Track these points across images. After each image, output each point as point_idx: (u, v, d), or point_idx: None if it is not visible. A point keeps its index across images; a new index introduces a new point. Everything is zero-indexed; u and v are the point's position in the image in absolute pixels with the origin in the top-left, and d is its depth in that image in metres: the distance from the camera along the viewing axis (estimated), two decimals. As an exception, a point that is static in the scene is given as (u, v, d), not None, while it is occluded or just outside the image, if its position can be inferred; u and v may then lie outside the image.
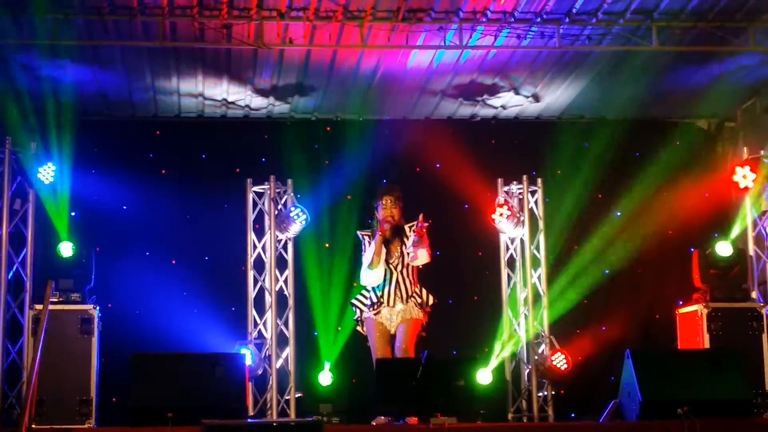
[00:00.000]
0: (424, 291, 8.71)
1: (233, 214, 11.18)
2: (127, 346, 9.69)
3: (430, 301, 8.71)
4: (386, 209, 8.65)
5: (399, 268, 8.60)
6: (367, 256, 8.62)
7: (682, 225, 12.02)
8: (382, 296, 8.55)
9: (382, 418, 8.06)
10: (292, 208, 10.78)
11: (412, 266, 8.66)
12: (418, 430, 7.77)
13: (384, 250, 8.58)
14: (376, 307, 8.56)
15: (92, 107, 11.54)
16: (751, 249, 10.91)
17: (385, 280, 8.59)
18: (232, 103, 11.72)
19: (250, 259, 10.87)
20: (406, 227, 8.69)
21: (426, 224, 8.50)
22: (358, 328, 8.89)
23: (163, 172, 11.76)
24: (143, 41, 10.05)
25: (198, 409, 7.54)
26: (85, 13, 9.55)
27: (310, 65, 10.77)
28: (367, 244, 8.69)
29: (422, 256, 8.58)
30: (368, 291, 8.71)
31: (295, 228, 10.83)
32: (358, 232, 8.86)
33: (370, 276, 8.64)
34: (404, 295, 8.55)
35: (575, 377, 10.96)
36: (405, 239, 8.62)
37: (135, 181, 11.50)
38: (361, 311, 8.69)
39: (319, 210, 11.46)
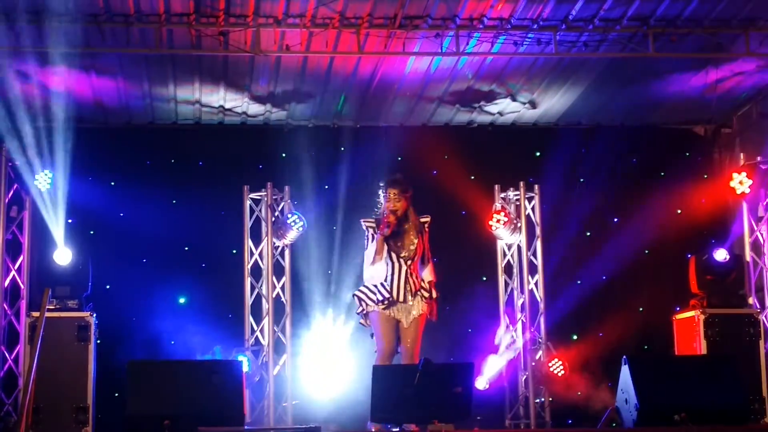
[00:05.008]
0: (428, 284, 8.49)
1: (230, 221, 11.17)
2: (124, 354, 9.68)
3: (434, 294, 8.53)
4: (390, 202, 8.39)
5: (409, 262, 8.38)
6: (368, 253, 8.39)
7: (679, 231, 12.02)
8: (391, 291, 8.30)
9: (377, 424, 8.00)
10: (289, 215, 10.79)
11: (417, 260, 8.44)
12: (415, 437, 7.75)
13: (385, 247, 8.32)
14: (385, 304, 8.36)
15: (89, 114, 11.52)
16: (748, 255, 10.93)
17: (393, 273, 8.35)
18: (229, 110, 11.71)
19: (247, 266, 10.86)
20: (422, 220, 8.49)
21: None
22: (361, 321, 8.57)
23: (160, 179, 11.74)
24: (140, 48, 10.04)
25: (195, 416, 7.52)
26: (81, 20, 9.53)
27: (307, 72, 10.77)
28: (369, 237, 8.40)
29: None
30: (375, 285, 8.39)
31: (292, 235, 10.84)
32: (362, 221, 8.51)
33: (373, 273, 8.40)
34: (413, 289, 8.39)
35: (572, 383, 10.96)
36: (421, 234, 8.43)
37: (132, 188, 11.50)
38: (367, 305, 8.40)
39: (316, 217, 11.46)
